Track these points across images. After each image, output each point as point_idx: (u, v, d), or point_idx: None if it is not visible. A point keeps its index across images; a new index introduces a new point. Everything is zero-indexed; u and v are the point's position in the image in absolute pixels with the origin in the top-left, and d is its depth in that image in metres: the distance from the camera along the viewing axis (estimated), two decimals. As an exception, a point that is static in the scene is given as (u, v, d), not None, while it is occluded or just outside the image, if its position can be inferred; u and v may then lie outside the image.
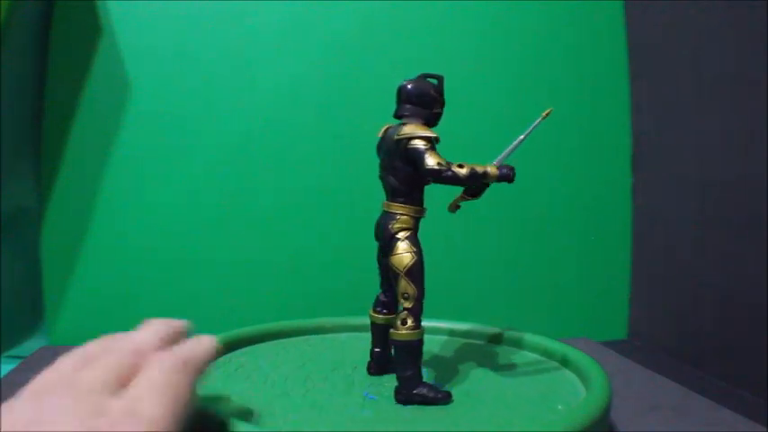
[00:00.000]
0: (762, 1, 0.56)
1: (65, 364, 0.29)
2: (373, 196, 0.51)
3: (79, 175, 0.76)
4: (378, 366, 0.50)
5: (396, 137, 0.45)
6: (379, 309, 0.50)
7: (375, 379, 0.49)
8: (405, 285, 0.44)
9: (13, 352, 0.73)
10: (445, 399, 0.44)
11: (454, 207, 0.49)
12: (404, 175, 0.45)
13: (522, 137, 0.47)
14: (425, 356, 0.49)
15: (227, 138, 0.78)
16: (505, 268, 0.81)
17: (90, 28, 0.76)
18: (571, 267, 0.82)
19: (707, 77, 0.67)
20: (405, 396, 0.44)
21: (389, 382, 0.48)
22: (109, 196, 0.77)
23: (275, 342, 0.60)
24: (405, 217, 0.46)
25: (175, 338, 0.33)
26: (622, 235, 0.82)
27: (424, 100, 0.48)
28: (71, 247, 0.76)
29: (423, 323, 0.45)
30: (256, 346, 0.58)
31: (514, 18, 0.82)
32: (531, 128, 0.47)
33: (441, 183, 0.44)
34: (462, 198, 0.49)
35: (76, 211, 0.76)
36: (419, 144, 0.44)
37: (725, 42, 0.64)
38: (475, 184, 0.48)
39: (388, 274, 0.46)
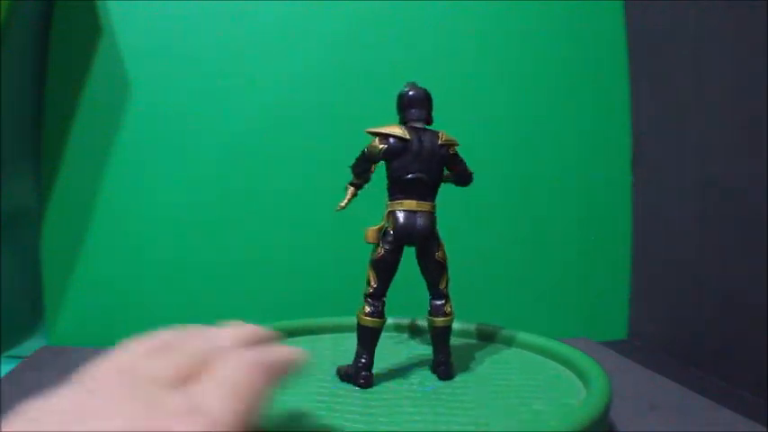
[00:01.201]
0: (762, 1, 0.56)
1: (133, 349, 0.26)
2: (373, 196, 0.51)
3: (79, 175, 0.76)
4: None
5: (440, 142, 0.50)
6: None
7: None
8: (447, 277, 0.51)
9: (13, 352, 0.73)
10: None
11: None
12: (437, 176, 0.50)
13: None
14: (425, 356, 0.49)
15: (227, 138, 0.78)
16: (505, 268, 0.81)
17: (90, 28, 0.76)
18: (571, 267, 0.82)
19: (707, 77, 0.67)
20: (451, 371, 0.50)
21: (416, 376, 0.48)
22: (109, 196, 0.77)
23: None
24: (435, 216, 0.50)
25: (257, 343, 0.29)
26: (622, 235, 0.82)
27: (430, 106, 0.52)
28: (71, 247, 0.76)
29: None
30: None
31: (514, 18, 0.82)
32: None
33: (464, 185, 0.55)
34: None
35: (76, 211, 0.76)
36: (458, 151, 0.51)
37: (725, 42, 0.64)
38: None
39: (428, 272, 0.50)
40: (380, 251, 0.48)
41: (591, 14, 0.82)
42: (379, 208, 0.51)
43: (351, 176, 0.51)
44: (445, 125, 0.80)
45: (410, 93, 0.50)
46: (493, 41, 0.82)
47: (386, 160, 0.48)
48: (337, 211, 0.50)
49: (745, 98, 0.60)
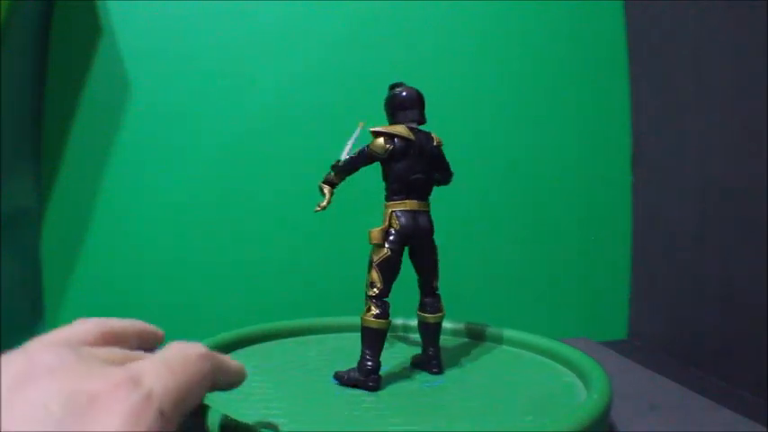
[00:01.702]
0: (762, 1, 0.56)
1: (81, 327, 0.27)
2: (373, 196, 0.51)
3: (79, 175, 0.76)
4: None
5: (435, 143, 0.51)
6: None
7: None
8: (438, 275, 0.51)
9: (13, 352, 0.73)
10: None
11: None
12: (432, 176, 0.51)
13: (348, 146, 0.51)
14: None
15: (227, 138, 0.78)
16: (505, 268, 0.81)
17: (90, 28, 0.76)
18: (571, 267, 0.82)
19: (707, 77, 0.67)
20: (443, 366, 0.51)
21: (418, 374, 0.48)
22: (109, 196, 0.77)
23: (275, 342, 0.60)
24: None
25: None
26: (622, 235, 0.83)
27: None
28: (71, 247, 0.76)
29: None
30: (257, 346, 0.58)
31: (514, 18, 0.82)
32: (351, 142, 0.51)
33: (446, 184, 0.54)
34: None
35: (76, 211, 0.76)
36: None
37: (725, 42, 0.64)
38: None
39: (425, 270, 0.50)
40: (386, 252, 0.48)
41: (591, 14, 0.82)
42: (372, 208, 0.51)
43: (326, 176, 0.51)
44: (445, 125, 0.80)
45: (403, 93, 0.50)
46: (493, 41, 0.82)
47: (387, 160, 0.48)
48: (318, 212, 0.50)
49: (745, 98, 0.60)
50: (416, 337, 0.55)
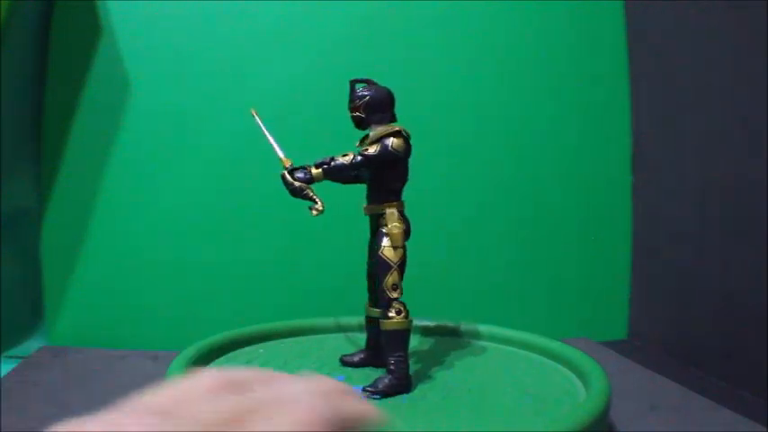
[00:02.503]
0: (762, 1, 0.56)
1: (193, 383, 0.22)
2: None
3: (79, 175, 0.76)
4: None
5: None
6: None
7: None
8: None
9: (13, 352, 0.73)
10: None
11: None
12: None
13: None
14: (425, 356, 0.49)
15: (227, 138, 0.78)
16: (506, 268, 0.81)
17: (90, 28, 0.76)
18: (571, 267, 0.82)
19: (707, 77, 0.67)
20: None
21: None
22: (109, 196, 0.77)
23: (275, 342, 0.60)
24: None
25: (335, 397, 0.24)
26: (622, 235, 0.82)
27: None
28: (71, 247, 0.76)
29: (421, 321, 0.50)
30: (257, 346, 0.58)
31: (514, 18, 0.82)
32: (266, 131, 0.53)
33: None
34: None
35: (76, 211, 0.76)
36: None
37: (725, 42, 0.64)
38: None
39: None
40: (402, 252, 0.48)
41: (591, 14, 0.82)
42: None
43: (305, 175, 0.49)
44: (445, 125, 0.81)
45: (391, 92, 0.50)
46: (493, 41, 0.82)
47: (398, 160, 0.48)
48: (316, 216, 0.49)
49: (745, 98, 0.60)
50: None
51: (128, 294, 0.76)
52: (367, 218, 0.51)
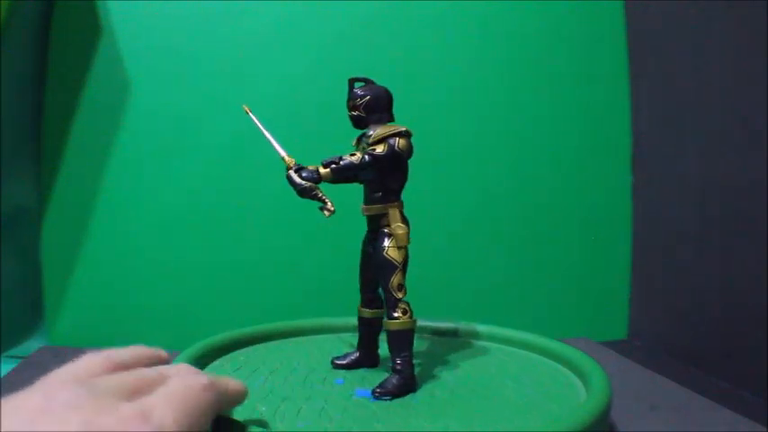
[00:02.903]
0: (762, 1, 0.56)
1: (89, 361, 0.29)
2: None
3: (79, 175, 0.76)
4: None
5: None
6: None
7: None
8: None
9: (13, 352, 0.73)
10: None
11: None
12: None
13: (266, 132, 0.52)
14: (426, 356, 0.49)
15: (227, 138, 0.78)
16: (506, 268, 0.81)
17: (90, 28, 0.76)
18: (571, 267, 0.82)
19: (707, 77, 0.67)
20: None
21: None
22: (109, 196, 0.77)
23: (276, 342, 0.60)
24: None
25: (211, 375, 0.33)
26: (622, 235, 0.82)
27: None
28: (71, 247, 0.76)
29: (420, 322, 0.49)
30: (257, 346, 0.58)
31: (514, 18, 0.82)
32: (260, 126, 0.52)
33: None
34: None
35: (76, 211, 0.76)
36: None
37: (725, 42, 0.64)
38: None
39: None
40: (406, 252, 0.48)
41: (591, 14, 0.82)
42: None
43: (311, 174, 0.48)
44: (444, 125, 0.81)
45: (390, 92, 0.50)
46: (493, 41, 0.82)
47: (402, 160, 0.48)
48: (329, 216, 0.48)
49: (745, 98, 0.60)
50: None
51: (128, 294, 0.76)
52: (364, 218, 0.51)
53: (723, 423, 0.49)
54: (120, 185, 0.77)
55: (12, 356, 0.72)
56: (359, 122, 0.49)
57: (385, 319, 0.47)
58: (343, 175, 0.47)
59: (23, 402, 0.24)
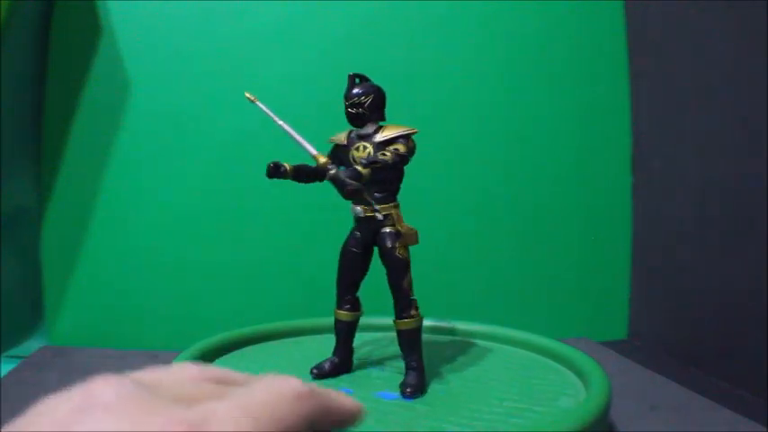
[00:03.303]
0: (762, 1, 0.56)
1: (177, 369, 0.22)
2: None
3: (79, 175, 0.76)
4: None
5: None
6: None
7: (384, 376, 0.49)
8: None
9: (13, 352, 0.73)
10: None
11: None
12: None
13: (281, 123, 0.50)
14: (426, 356, 0.49)
15: (227, 137, 0.78)
16: (506, 268, 0.81)
17: (90, 28, 0.76)
18: (571, 267, 0.82)
19: (707, 77, 0.67)
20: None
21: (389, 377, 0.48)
22: (109, 196, 0.77)
23: (275, 342, 0.60)
24: None
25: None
26: (622, 235, 0.82)
27: None
28: (71, 247, 0.76)
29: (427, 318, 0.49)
30: (257, 346, 0.58)
31: (514, 18, 0.82)
32: (272, 116, 0.50)
33: None
34: None
35: (76, 211, 0.76)
36: None
37: (725, 42, 0.64)
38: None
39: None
40: (408, 253, 0.48)
41: (591, 14, 0.82)
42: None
43: (354, 179, 0.45)
44: (444, 125, 0.81)
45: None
46: (493, 41, 0.82)
47: (407, 161, 0.48)
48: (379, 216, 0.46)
49: (745, 98, 0.60)
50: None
51: (128, 294, 0.76)
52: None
53: (723, 423, 0.49)
54: (120, 185, 0.77)
55: (12, 356, 0.72)
56: (358, 119, 0.49)
57: (396, 320, 0.48)
58: (375, 174, 0.46)
59: (61, 401, 0.20)
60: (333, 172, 0.45)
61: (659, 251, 0.77)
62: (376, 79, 0.52)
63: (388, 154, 0.46)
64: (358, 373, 0.52)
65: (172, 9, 0.77)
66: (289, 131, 0.47)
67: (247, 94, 0.49)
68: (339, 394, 0.24)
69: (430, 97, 0.79)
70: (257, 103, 0.49)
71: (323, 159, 0.46)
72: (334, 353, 0.51)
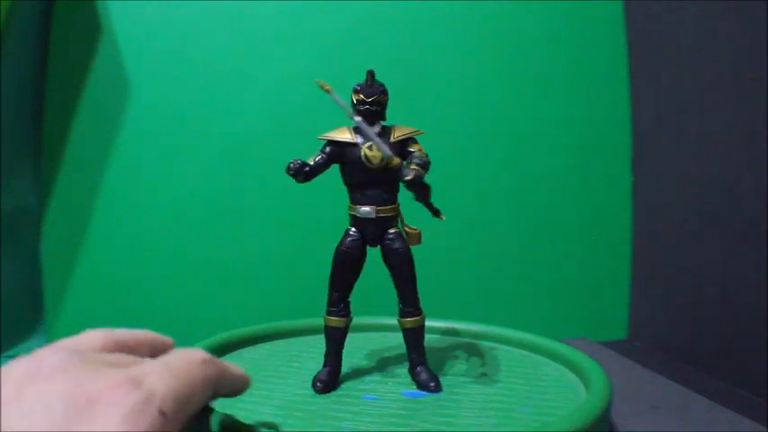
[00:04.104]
0: (762, 1, 0.56)
1: (88, 336, 0.28)
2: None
3: (79, 174, 0.76)
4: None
5: None
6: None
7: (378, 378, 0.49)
8: None
9: (13, 352, 0.73)
10: None
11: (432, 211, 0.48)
12: None
13: (357, 118, 0.48)
14: (426, 356, 0.49)
15: (227, 137, 0.78)
16: (505, 268, 0.81)
17: (90, 28, 0.76)
18: (571, 267, 0.82)
19: (707, 77, 0.67)
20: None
21: (390, 380, 0.48)
22: (109, 196, 0.77)
23: (275, 342, 0.60)
24: (349, 213, 0.49)
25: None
26: (622, 235, 0.82)
27: (351, 102, 0.50)
28: (71, 247, 0.76)
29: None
30: (257, 346, 0.58)
31: (514, 18, 0.82)
32: (346, 108, 0.48)
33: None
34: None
35: (76, 211, 0.76)
36: None
37: (725, 42, 0.64)
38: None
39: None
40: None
41: (591, 14, 0.82)
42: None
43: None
44: (444, 125, 0.81)
45: None
46: (493, 42, 0.82)
47: None
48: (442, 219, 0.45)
49: (744, 98, 0.60)
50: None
51: (128, 294, 0.76)
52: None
53: (723, 423, 0.49)
54: (120, 185, 0.77)
55: (12, 356, 0.72)
56: (374, 117, 0.48)
57: (404, 318, 0.48)
58: (390, 175, 0.46)
59: (10, 369, 0.23)
60: (418, 172, 0.45)
61: (659, 251, 0.77)
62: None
63: (422, 154, 0.46)
64: (362, 376, 0.52)
65: (172, 9, 0.77)
66: (364, 128, 0.47)
67: (320, 82, 0.48)
68: (233, 365, 0.31)
69: (429, 97, 0.80)
70: (332, 94, 0.48)
71: (397, 161, 0.46)
72: (329, 362, 0.49)
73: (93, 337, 0.28)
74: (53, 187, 0.76)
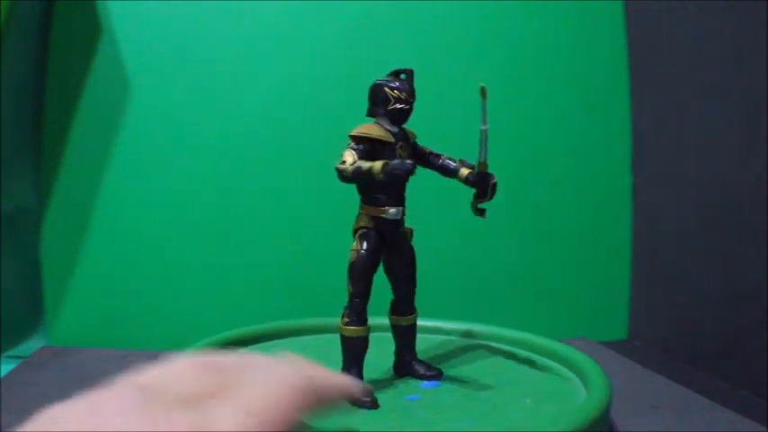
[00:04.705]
0: (762, 1, 0.56)
1: (173, 365, 0.23)
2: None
3: (79, 175, 0.76)
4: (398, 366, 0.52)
5: None
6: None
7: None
8: (347, 281, 0.46)
9: (13, 352, 0.73)
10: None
11: (475, 211, 0.49)
12: None
13: (484, 127, 0.47)
14: (426, 356, 0.49)
15: (227, 137, 0.78)
16: (505, 268, 0.81)
17: (90, 28, 0.76)
18: (571, 267, 0.82)
19: (707, 77, 0.67)
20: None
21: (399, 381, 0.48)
22: (109, 196, 0.77)
23: (275, 342, 0.60)
24: (362, 215, 0.47)
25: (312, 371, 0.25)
26: (622, 235, 0.82)
27: (375, 98, 0.49)
28: (71, 247, 0.76)
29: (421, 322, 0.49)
30: (257, 346, 0.58)
31: (514, 18, 0.82)
32: (485, 115, 0.47)
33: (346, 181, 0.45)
34: (475, 201, 0.49)
35: (76, 211, 0.76)
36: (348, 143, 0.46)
37: (725, 42, 0.64)
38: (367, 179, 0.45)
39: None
40: None
41: (591, 14, 0.82)
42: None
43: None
44: (445, 125, 0.81)
45: None
46: (493, 42, 0.82)
47: None
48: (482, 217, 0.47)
49: (745, 98, 0.60)
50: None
51: (128, 294, 0.76)
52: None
53: (723, 423, 0.49)
54: (120, 185, 0.77)
55: (12, 356, 0.72)
56: (406, 117, 0.49)
57: (403, 316, 0.49)
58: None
59: (66, 410, 0.20)
60: (494, 178, 0.49)
61: (659, 251, 0.77)
62: (374, 79, 0.52)
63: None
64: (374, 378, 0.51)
65: (172, 9, 0.77)
66: (484, 137, 0.49)
67: (483, 87, 0.49)
68: (330, 374, 0.25)
69: (429, 97, 0.79)
70: (485, 99, 0.48)
71: (485, 165, 0.50)
72: (355, 372, 0.46)
73: (178, 363, 0.23)
74: (53, 187, 0.76)
